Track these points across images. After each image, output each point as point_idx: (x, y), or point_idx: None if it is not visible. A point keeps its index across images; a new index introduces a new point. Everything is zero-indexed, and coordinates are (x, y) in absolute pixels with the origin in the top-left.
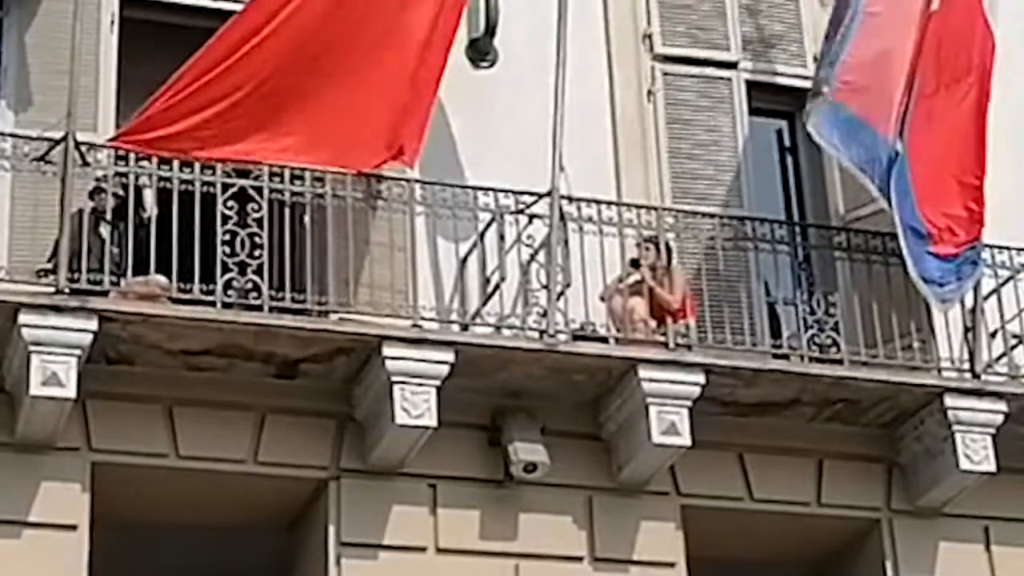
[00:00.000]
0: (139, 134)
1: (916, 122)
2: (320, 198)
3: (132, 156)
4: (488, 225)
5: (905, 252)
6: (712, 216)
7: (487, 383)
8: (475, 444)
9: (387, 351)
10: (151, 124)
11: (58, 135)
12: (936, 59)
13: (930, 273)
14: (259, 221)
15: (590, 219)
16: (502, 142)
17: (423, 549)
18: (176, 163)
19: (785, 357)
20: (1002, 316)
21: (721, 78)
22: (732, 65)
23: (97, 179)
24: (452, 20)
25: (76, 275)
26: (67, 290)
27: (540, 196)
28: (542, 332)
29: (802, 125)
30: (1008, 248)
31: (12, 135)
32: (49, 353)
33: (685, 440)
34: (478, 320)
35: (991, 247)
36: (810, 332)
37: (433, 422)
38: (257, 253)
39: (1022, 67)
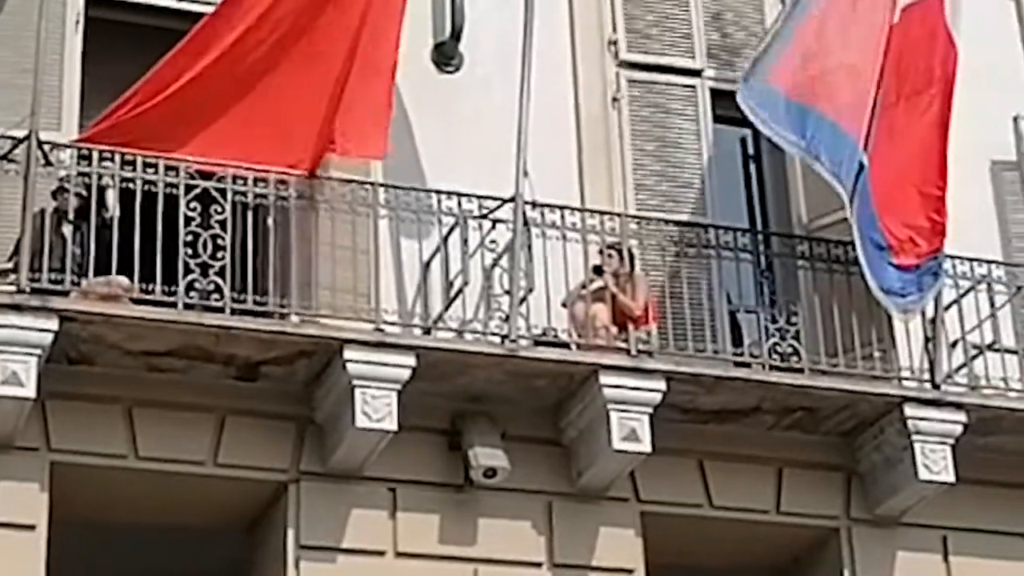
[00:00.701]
0: (106, 137)
1: (878, 134)
2: (283, 200)
3: (95, 156)
4: (451, 229)
5: (864, 264)
6: (675, 223)
7: (448, 387)
8: (435, 448)
9: (348, 354)
10: (119, 130)
11: (21, 134)
12: (896, 71)
13: (891, 284)
14: (222, 223)
15: (554, 225)
16: (466, 146)
17: (382, 553)
18: (139, 164)
19: (746, 365)
20: (962, 327)
21: (686, 85)
22: (697, 73)
23: (60, 179)
24: (395, 15)
25: (37, 275)
26: (28, 289)
27: (504, 201)
28: (504, 337)
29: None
30: (969, 259)
31: None
32: (9, 352)
33: (645, 446)
34: (440, 324)
35: (952, 258)
36: (771, 340)
37: (394, 426)
38: (219, 255)
39: (986, 78)
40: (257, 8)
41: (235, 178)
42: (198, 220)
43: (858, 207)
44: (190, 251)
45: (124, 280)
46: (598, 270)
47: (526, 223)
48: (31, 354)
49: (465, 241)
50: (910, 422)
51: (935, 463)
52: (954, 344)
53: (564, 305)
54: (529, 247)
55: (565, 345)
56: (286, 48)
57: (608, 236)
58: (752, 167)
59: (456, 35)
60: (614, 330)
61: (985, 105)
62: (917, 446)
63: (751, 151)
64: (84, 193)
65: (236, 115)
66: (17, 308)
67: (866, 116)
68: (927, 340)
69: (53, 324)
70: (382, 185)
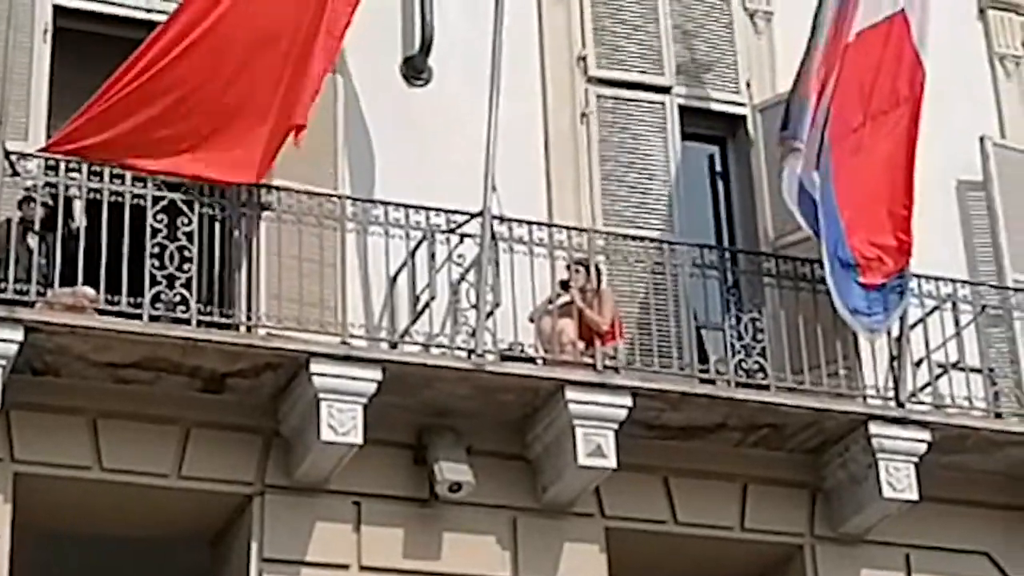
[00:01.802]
0: (69, 143)
1: (842, 155)
2: (250, 213)
3: (62, 166)
4: (419, 244)
5: (831, 284)
6: (642, 239)
7: (414, 401)
8: (401, 462)
9: (315, 367)
10: (81, 133)
11: None
12: (860, 92)
13: (857, 303)
14: (188, 235)
15: (521, 240)
16: (435, 161)
17: (346, 566)
18: (107, 175)
19: (712, 382)
20: (927, 345)
21: (654, 102)
22: (665, 89)
23: (27, 189)
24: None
25: (2, 285)
26: None
27: (472, 216)
28: (470, 352)
29: (734, 150)
30: (935, 278)
31: None
32: None
33: (611, 462)
34: (407, 338)
35: (918, 277)
36: (737, 357)
37: (359, 439)
38: (186, 267)
39: (953, 98)
40: (212, 12)
41: (202, 190)
42: (165, 232)
43: (824, 226)
44: (156, 263)
45: (90, 291)
46: (565, 285)
47: (493, 238)
48: None
49: (432, 255)
50: (875, 440)
51: (899, 481)
52: (919, 363)
53: (531, 320)
54: (496, 262)
55: (531, 360)
56: (235, 50)
57: (575, 252)
58: (720, 184)
59: (426, 49)
60: (581, 345)
61: (951, 125)
62: (881, 464)
63: (719, 168)
64: (51, 203)
65: (191, 126)
66: None
67: (816, 136)
68: (892, 358)
69: (18, 335)
70: (349, 198)
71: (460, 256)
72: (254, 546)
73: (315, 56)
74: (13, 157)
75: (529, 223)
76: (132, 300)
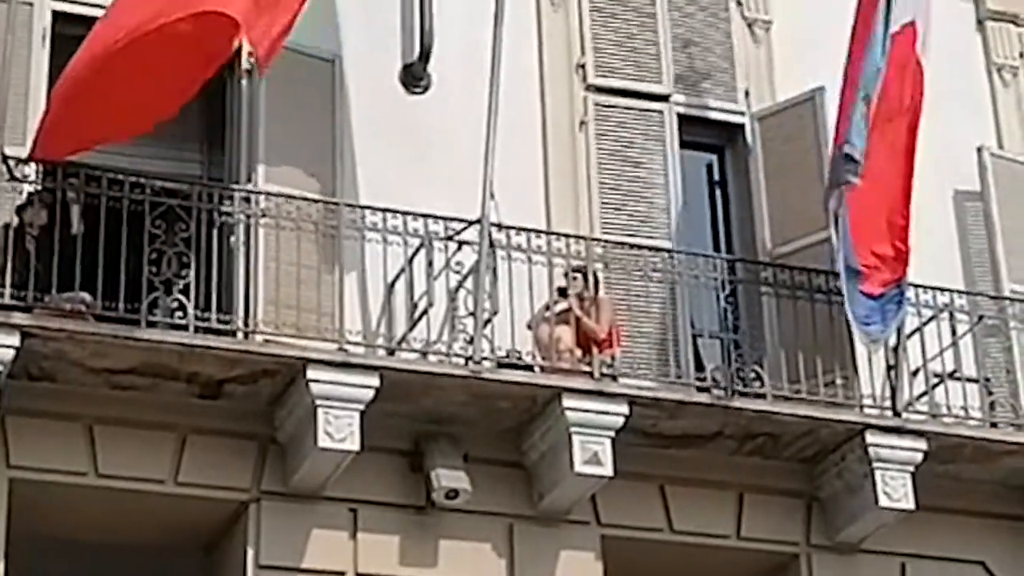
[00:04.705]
0: (60, 143)
1: None
2: (248, 219)
3: (60, 172)
4: (417, 251)
5: (844, 292)
6: (640, 247)
7: (411, 408)
8: (397, 469)
9: (312, 374)
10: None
11: None
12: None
13: (859, 312)
14: (186, 240)
15: (519, 247)
16: (433, 168)
17: (342, 573)
18: (104, 180)
19: (709, 390)
20: (924, 355)
21: (653, 110)
22: (664, 98)
23: (30, 194)
24: None
25: (0, 289)
26: None
27: (470, 223)
28: (468, 359)
29: (732, 159)
30: (932, 288)
31: None
32: None
33: (607, 470)
34: (404, 345)
35: (915, 286)
36: (734, 366)
37: (356, 446)
38: (184, 272)
39: (951, 108)
40: None
41: (200, 196)
42: (163, 238)
43: (841, 234)
44: (154, 268)
45: (87, 296)
46: (563, 292)
47: (492, 245)
48: None
49: (430, 262)
50: (871, 449)
51: (895, 490)
52: (916, 372)
53: (529, 327)
54: (494, 269)
55: (529, 367)
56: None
57: (573, 259)
58: (718, 193)
59: (425, 56)
60: (578, 353)
61: (949, 135)
62: (878, 473)
63: (717, 177)
64: (49, 208)
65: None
66: None
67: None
68: (889, 368)
69: (15, 340)
70: (347, 205)
71: (458, 263)
72: (250, 553)
73: None
74: (11, 162)
75: (527, 230)
76: (129, 306)
